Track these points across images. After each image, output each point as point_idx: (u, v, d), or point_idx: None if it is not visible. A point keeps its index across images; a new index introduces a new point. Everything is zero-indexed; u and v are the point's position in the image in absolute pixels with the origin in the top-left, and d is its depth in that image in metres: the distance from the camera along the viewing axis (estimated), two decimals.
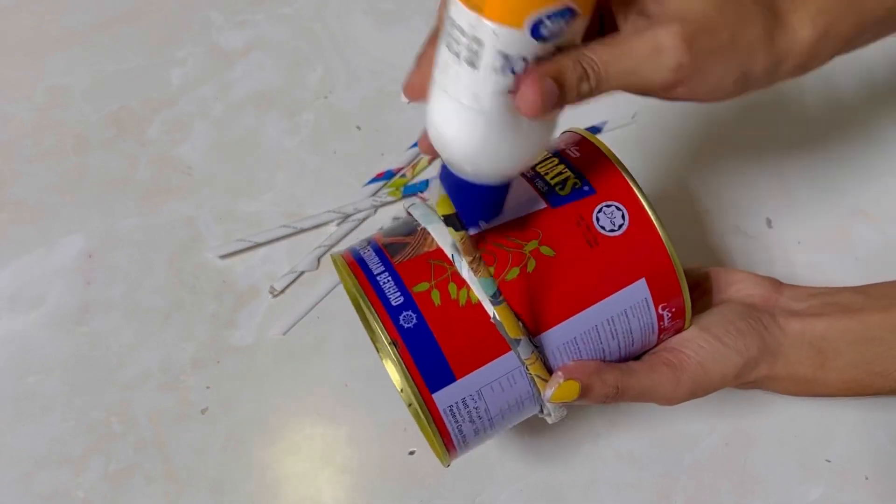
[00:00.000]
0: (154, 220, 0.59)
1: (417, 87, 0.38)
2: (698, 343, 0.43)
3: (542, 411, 0.42)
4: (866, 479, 0.50)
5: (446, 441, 0.40)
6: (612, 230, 0.40)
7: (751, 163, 0.60)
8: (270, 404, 0.53)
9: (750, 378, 0.44)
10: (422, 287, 0.38)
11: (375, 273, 0.39)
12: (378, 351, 0.47)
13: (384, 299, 0.38)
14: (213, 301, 0.56)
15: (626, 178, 0.41)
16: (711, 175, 0.60)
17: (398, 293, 0.38)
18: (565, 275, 0.39)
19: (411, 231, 0.41)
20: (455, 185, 0.37)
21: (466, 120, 0.35)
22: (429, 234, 0.40)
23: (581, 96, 0.35)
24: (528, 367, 0.39)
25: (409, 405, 0.45)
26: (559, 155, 0.42)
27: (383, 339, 0.38)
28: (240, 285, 0.57)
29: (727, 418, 0.52)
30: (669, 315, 0.41)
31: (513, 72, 0.33)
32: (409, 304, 0.38)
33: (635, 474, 0.51)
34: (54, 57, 0.65)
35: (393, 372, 0.45)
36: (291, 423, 0.53)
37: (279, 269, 0.57)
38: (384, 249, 0.40)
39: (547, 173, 0.41)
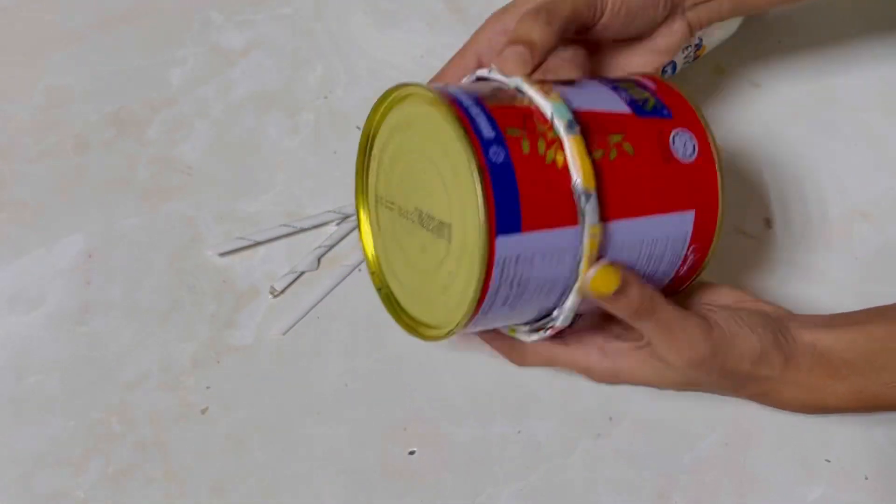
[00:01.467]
0: (154, 220, 0.59)
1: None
2: (724, 314, 0.43)
3: (552, 313, 0.42)
4: (866, 479, 0.50)
5: (481, 299, 0.39)
6: (684, 156, 0.42)
7: (751, 163, 0.60)
8: (270, 404, 0.53)
9: (763, 373, 0.43)
10: (514, 132, 0.39)
11: (467, 106, 0.39)
12: (361, 209, 0.47)
13: (476, 129, 0.38)
14: (213, 301, 0.56)
15: (700, 116, 0.44)
16: None
17: (491, 129, 0.38)
18: (638, 176, 0.41)
19: (498, 89, 0.42)
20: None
21: None
22: (521, 93, 0.41)
23: None
24: (590, 236, 0.39)
25: (380, 289, 0.46)
26: (637, 83, 0.44)
27: (469, 167, 0.37)
28: (240, 285, 0.57)
29: (727, 418, 0.52)
30: (691, 260, 0.43)
31: None
32: (499, 140, 0.38)
33: (635, 474, 0.51)
34: (54, 57, 0.65)
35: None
36: (291, 423, 0.53)
37: (279, 269, 0.57)
38: (477, 94, 0.40)
39: (629, 89, 0.43)
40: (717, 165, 0.43)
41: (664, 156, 0.42)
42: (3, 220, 0.59)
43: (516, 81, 0.41)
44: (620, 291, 0.39)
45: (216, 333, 0.55)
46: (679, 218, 0.42)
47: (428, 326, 0.43)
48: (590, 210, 0.38)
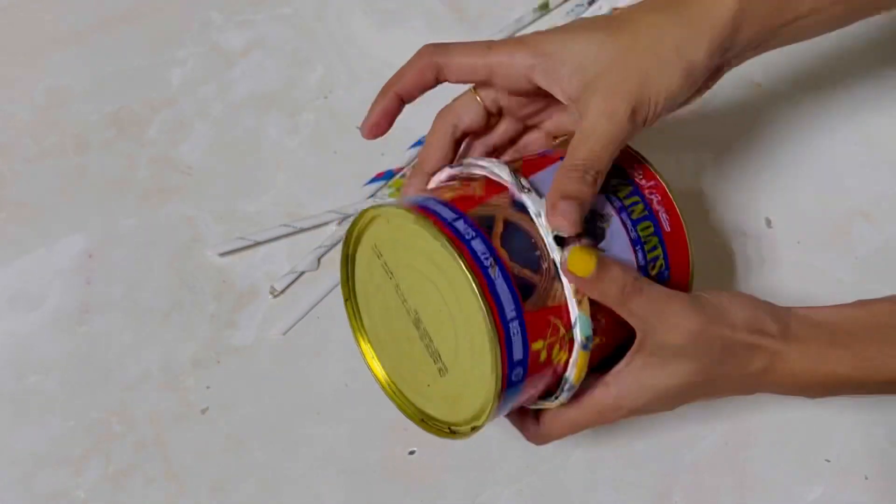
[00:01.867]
0: (154, 220, 0.59)
1: (371, 131, 0.45)
2: (710, 291, 0.42)
3: (553, 396, 0.43)
4: (866, 478, 0.50)
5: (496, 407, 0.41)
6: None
7: (751, 163, 0.60)
8: (270, 404, 0.53)
9: (762, 342, 0.41)
10: (538, 345, 0.40)
11: (509, 318, 0.39)
12: (355, 330, 0.48)
13: (510, 349, 0.39)
14: (213, 301, 0.56)
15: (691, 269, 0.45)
16: (711, 175, 0.60)
17: (521, 347, 0.39)
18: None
19: (538, 263, 0.40)
20: None
21: None
22: (558, 281, 0.40)
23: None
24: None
25: (410, 415, 0.46)
26: (656, 224, 0.44)
27: (491, 384, 0.39)
28: (240, 285, 0.57)
29: (727, 418, 0.52)
30: None
31: None
32: (524, 361, 0.40)
33: (635, 474, 0.51)
34: (54, 57, 0.65)
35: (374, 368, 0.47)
36: (291, 423, 0.53)
37: (279, 269, 0.57)
38: (516, 286, 0.39)
39: (645, 242, 0.43)
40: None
41: None
42: (3, 220, 0.59)
43: (556, 259, 0.40)
44: (602, 270, 0.38)
45: (216, 333, 0.55)
46: None
47: (455, 424, 0.44)
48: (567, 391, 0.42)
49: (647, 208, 0.44)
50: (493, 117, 0.47)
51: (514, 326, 0.39)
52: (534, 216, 0.40)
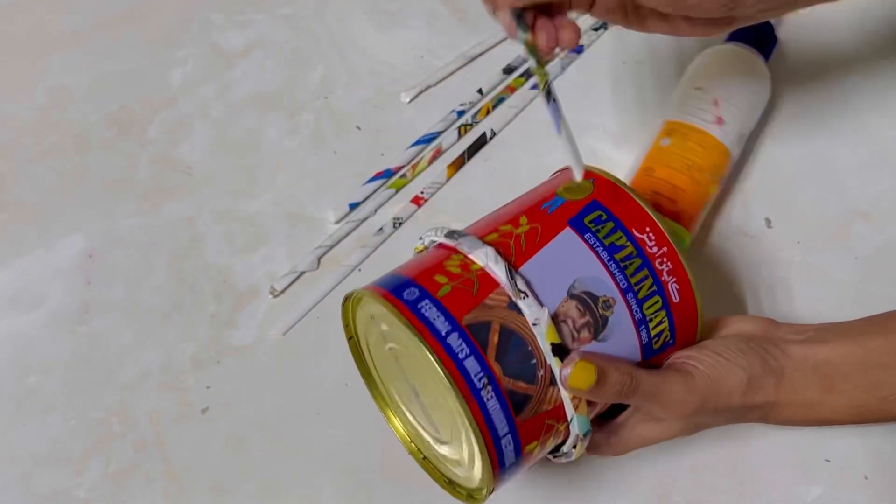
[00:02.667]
0: (154, 220, 0.59)
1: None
2: (702, 358, 0.43)
3: (559, 451, 0.43)
4: (865, 478, 0.50)
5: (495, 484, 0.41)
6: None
7: (751, 163, 0.60)
8: (270, 404, 0.53)
9: (756, 400, 0.43)
10: (532, 447, 0.41)
11: (501, 435, 0.39)
12: (377, 399, 0.47)
13: (501, 459, 0.40)
14: (213, 301, 0.56)
15: (699, 328, 0.44)
16: None
17: (514, 453, 0.40)
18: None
19: (534, 373, 0.40)
20: None
21: None
22: (554, 386, 0.40)
23: None
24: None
25: (421, 458, 0.46)
26: (664, 297, 0.43)
27: (485, 479, 0.40)
28: (240, 285, 0.57)
29: None
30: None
31: None
32: (518, 464, 0.41)
33: (635, 474, 0.51)
34: (54, 57, 0.65)
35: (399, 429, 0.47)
36: (291, 423, 0.53)
37: (279, 269, 0.57)
38: (509, 402, 0.39)
39: (651, 319, 0.42)
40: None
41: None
42: (3, 220, 0.59)
43: (556, 376, 0.40)
44: (600, 382, 0.39)
45: (216, 333, 0.55)
46: None
47: (473, 490, 0.44)
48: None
49: (656, 282, 0.42)
50: None
51: (507, 440, 0.39)
52: (531, 325, 0.39)
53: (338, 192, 0.60)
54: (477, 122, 0.62)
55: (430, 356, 0.38)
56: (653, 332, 0.42)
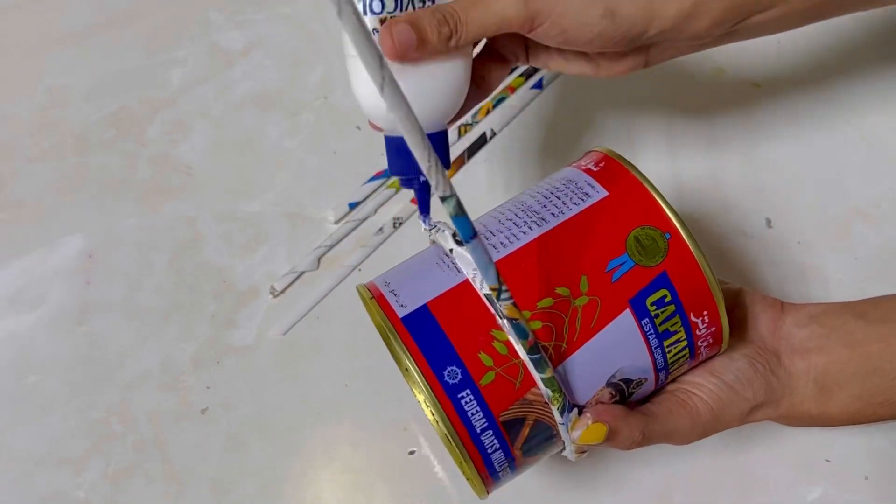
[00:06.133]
0: (154, 220, 0.59)
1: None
2: (709, 388, 0.43)
3: (563, 450, 0.43)
4: (866, 479, 0.50)
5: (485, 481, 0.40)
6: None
7: (751, 163, 0.60)
8: (270, 404, 0.53)
9: (757, 419, 0.45)
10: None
11: (501, 482, 0.40)
12: (408, 380, 0.45)
13: (495, 486, 0.40)
14: (213, 301, 0.56)
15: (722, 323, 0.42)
16: (711, 175, 0.60)
17: (509, 479, 0.41)
18: None
19: (549, 447, 0.40)
20: (391, 148, 0.41)
21: (355, 69, 0.39)
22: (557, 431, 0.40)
23: (443, 40, 0.39)
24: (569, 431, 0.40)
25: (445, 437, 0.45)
26: (692, 359, 0.41)
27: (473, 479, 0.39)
28: (240, 285, 0.57)
29: None
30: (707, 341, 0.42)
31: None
32: (512, 467, 0.40)
33: (635, 474, 0.51)
34: (54, 57, 0.65)
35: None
36: (291, 423, 0.53)
37: (279, 269, 0.57)
38: (519, 470, 0.40)
39: (673, 372, 0.41)
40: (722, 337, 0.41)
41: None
42: (3, 220, 0.59)
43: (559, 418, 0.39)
44: (611, 436, 0.39)
45: (216, 333, 0.55)
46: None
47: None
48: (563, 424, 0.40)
49: (692, 354, 0.41)
50: None
51: (506, 479, 0.40)
52: (559, 423, 0.38)
53: (338, 192, 0.60)
54: (477, 122, 0.62)
55: (458, 451, 0.37)
56: (670, 378, 0.42)
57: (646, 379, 0.40)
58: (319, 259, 0.58)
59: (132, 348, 0.55)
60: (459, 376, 0.37)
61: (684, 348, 0.40)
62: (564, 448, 0.42)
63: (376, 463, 0.52)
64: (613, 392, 0.39)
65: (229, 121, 0.63)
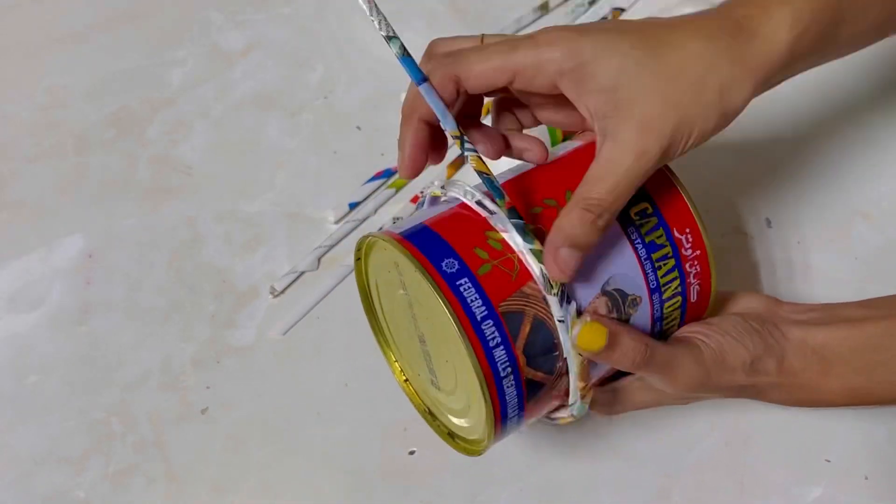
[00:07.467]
0: (154, 220, 0.59)
1: (409, 168, 0.42)
2: (709, 333, 0.43)
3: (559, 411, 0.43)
4: (866, 478, 0.50)
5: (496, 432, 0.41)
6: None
7: (751, 163, 0.60)
8: (270, 404, 0.53)
9: (759, 380, 0.43)
10: (532, 420, 0.42)
11: (510, 416, 0.40)
12: (381, 345, 0.47)
13: (504, 429, 0.40)
14: (213, 301, 0.56)
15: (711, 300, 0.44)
16: (711, 175, 0.60)
17: (516, 426, 0.41)
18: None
19: (553, 365, 0.40)
20: None
21: None
22: (566, 375, 0.40)
23: (598, 232, 0.39)
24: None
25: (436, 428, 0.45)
26: (684, 298, 0.42)
27: (484, 439, 0.40)
28: (240, 285, 0.57)
29: (727, 418, 0.52)
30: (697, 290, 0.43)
31: None
32: (520, 424, 0.41)
33: (635, 474, 0.51)
34: (54, 57, 0.65)
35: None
36: (291, 423, 0.53)
37: (279, 269, 0.57)
38: (525, 388, 0.39)
39: (667, 316, 0.42)
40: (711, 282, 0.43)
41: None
42: (3, 220, 0.59)
43: (571, 373, 0.40)
44: (612, 345, 0.39)
45: (216, 333, 0.55)
46: None
47: (471, 442, 0.43)
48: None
49: (682, 283, 0.42)
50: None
51: (513, 419, 0.40)
52: (557, 324, 0.39)
53: (338, 192, 0.60)
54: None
55: (461, 339, 0.37)
56: (664, 327, 0.43)
57: (640, 298, 0.41)
58: (319, 259, 0.58)
59: (132, 348, 0.55)
60: (457, 266, 0.38)
61: (673, 268, 0.41)
62: (569, 390, 0.41)
63: (376, 463, 0.52)
64: (609, 304, 0.40)
65: (229, 121, 0.63)
